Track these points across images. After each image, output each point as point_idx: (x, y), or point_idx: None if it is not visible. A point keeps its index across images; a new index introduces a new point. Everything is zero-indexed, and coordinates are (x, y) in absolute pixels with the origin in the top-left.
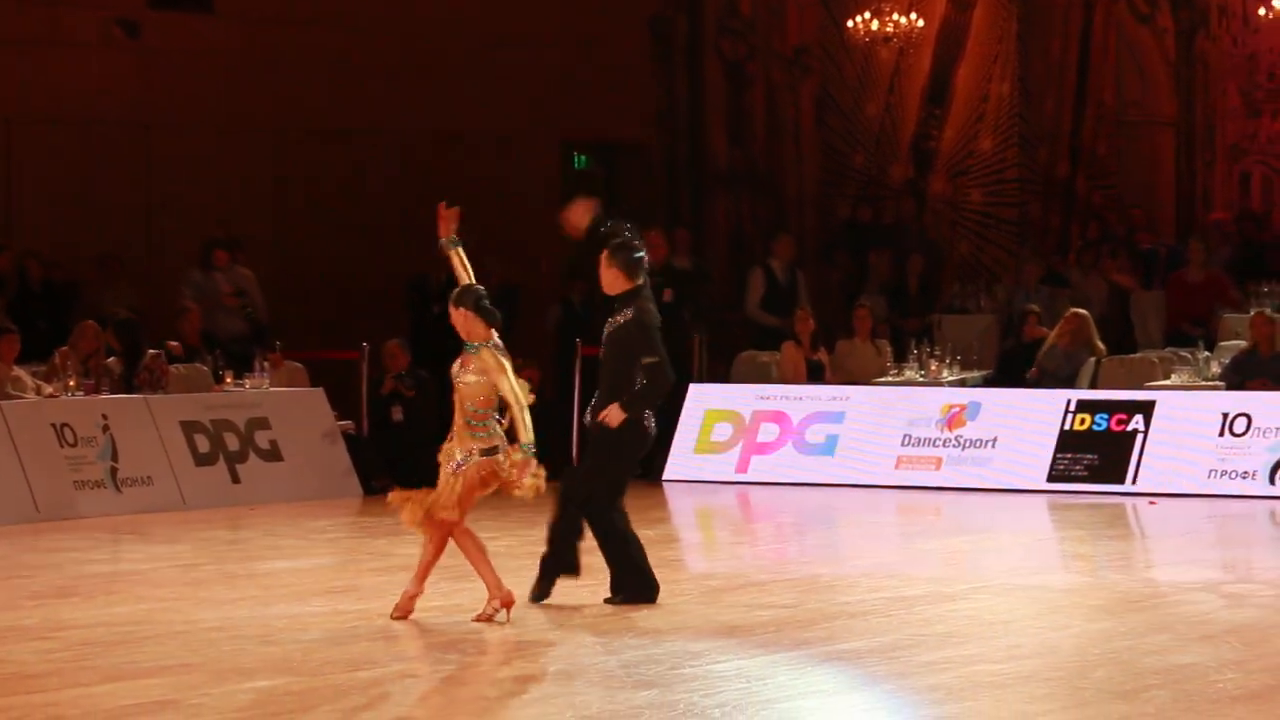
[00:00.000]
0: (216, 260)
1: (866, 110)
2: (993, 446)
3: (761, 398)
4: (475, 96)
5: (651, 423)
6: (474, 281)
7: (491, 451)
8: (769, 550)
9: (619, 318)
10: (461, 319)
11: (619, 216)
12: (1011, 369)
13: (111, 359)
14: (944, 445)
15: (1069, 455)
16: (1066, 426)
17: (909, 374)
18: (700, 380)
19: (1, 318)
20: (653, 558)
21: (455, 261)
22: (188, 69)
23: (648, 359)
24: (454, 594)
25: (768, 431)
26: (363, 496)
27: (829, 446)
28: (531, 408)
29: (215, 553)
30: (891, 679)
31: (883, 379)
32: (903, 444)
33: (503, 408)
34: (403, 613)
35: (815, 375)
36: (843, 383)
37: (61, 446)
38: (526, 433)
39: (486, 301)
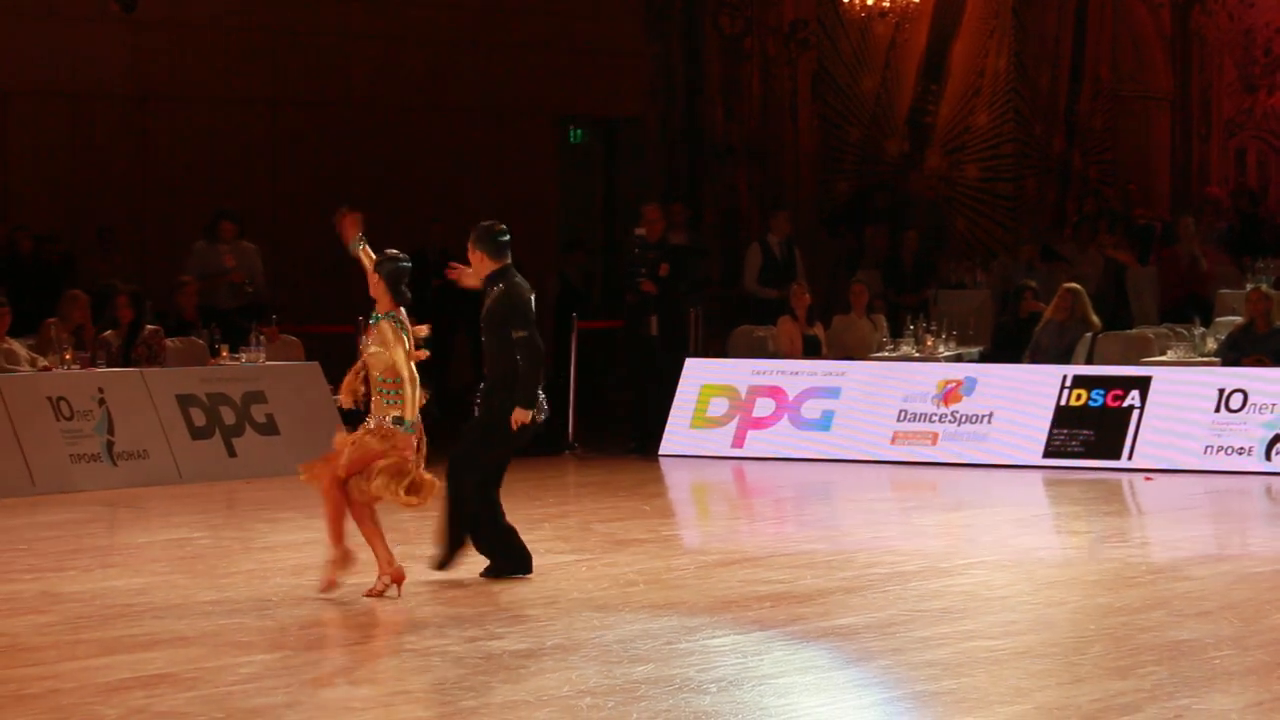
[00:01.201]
0: (223, 232)
1: (862, 85)
2: (989, 422)
3: (757, 372)
4: (471, 70)
5: (540, 414)
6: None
7: (398, 421)
8: (765, 526)
9: (489, 299)
10: (374, 284)
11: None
12: (1008, 344)
13: (108, 332)
14: (940, 420)
15: (1065, 431)
16: (1063, 402)
17: (905, 349)
18: (696, 355)
19: None
20: (649, 533)
21: (364, 259)
22: (183, 41)
23: (518, 333)
24: (451, 569)
25: (764, 406)
26: None
27: (825, 422)
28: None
29: (211, 526)
30: (887, 654)
31: (879, 354)
32: (899, 419)
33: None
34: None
35: (811, 350)
36: (839, 358)
37: (58, 420)
38: (411, 410)
39: (404, 285)
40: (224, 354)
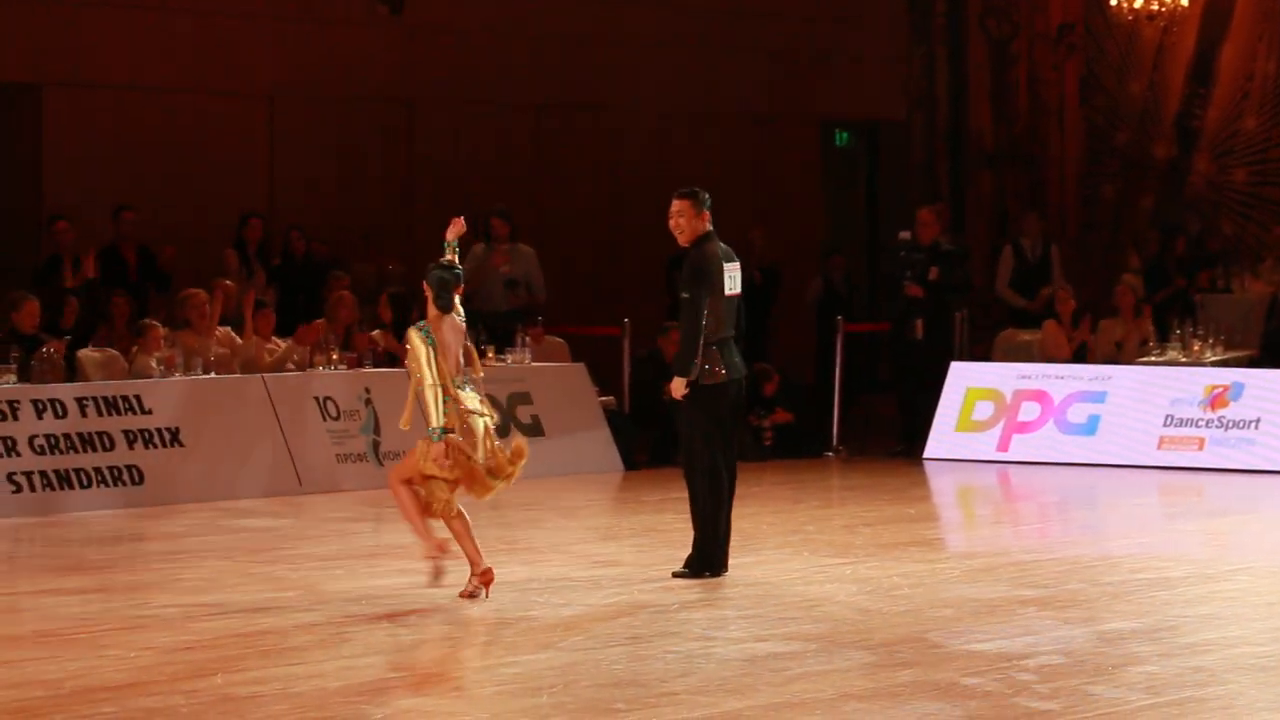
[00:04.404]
0: (495, 231)
1: (1130, 88)
2: (1256, 428)
3: (1023, 376)
4: (736, 74)
5: (719, 369)
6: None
7: (445, 431)
8: (1030, 530)
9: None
10: (427, 292)
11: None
12: (1276, 350)
13: (376, 332)
14: (1207, 426)
15: None
16: None
17: (1171, 354)
18: (961, 358)
19: (261, 291)
20: (914, 536)
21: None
22: (448, 44)
23: (682, 294)
24: (711, 574)
25: (1029, 410)
26: (624, 472)
27: (1090, 426)
28: (784, 398)
29: (476, 527)
30: (1153, 659)
31: (1145, 358)
32: (1165, 424)
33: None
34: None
35: (1077, 354)
36: (1105, 361)
37: (324, 420)
38: (435, 416)
39: (450, 292)
40: (490, 355)
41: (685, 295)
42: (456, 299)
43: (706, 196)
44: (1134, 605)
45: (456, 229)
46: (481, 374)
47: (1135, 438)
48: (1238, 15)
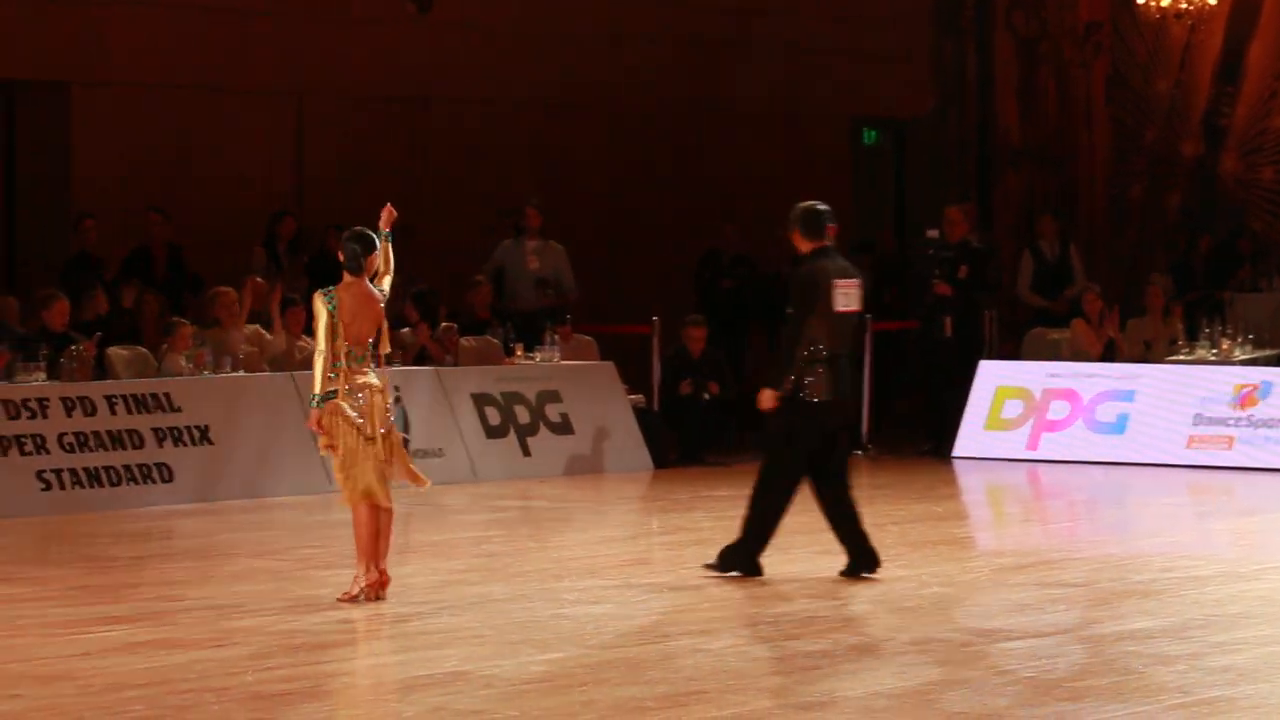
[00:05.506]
0: (529, 221)
1: (1157, 87)
2: None
3: (1052, 375)
4: (765, 72)
5: (817, 395)
6: (391, 272)
7: (330, 395)
8: (1060, 528)
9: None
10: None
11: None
12: None
13: (405, 329)
14: (1236, 425)
15: None
16: None
17: (1201, 352)
18: (990, 357)
19: (292, 287)
20: (942, 535)
21: (383, 249)
22: (476, 42)
23: (788, 310)
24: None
25: (1058, 409)
26: (653, 470)
27: (1120, 425)
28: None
29: (506, 525)
30: (1183, 659)
31: (1174, 357)
32: (1194, 423)
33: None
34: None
35: (1106, 353)
36: (1135, 360)
37: None
38: (318, 384)
39: (360, 260)
40: (519, 353)
41: (789, 311)
42: (379, 265)
43: (812, 213)
44: (1163, 604)
45: (388, 217)
46: (387, 350)
47: (1164, 436)
48: (1266, 13)
